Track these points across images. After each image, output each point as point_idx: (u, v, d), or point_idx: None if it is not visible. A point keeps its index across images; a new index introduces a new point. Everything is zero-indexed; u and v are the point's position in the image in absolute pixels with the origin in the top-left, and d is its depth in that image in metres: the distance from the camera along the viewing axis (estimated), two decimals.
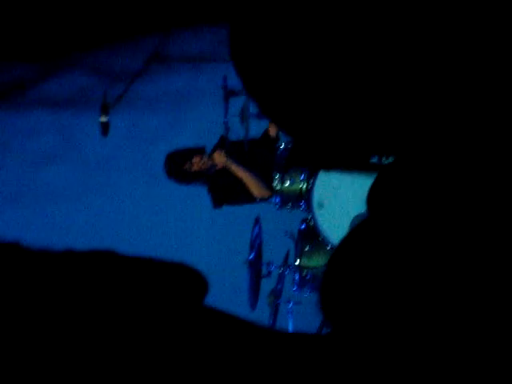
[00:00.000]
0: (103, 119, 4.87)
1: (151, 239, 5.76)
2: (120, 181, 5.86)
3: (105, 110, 4.86)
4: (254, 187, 4.82)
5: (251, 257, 4.58)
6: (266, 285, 4.59)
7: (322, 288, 1.02)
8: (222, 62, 5.28)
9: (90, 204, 5.76)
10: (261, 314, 4.58)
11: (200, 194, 5.11)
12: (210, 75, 5.52)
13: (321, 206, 4.46)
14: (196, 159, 4.86)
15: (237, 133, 4.90)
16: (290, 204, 4.62)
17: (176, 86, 5.76)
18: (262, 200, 4.87)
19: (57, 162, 5.83)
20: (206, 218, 5.66)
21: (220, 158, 4.87)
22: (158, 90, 5.74)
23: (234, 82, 4.90)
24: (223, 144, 4.94)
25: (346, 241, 1.01)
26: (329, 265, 1.00)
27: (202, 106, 5.75)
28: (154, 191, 5.75)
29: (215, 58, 5.45)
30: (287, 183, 4.52)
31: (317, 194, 4.44)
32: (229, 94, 4.85)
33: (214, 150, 4.96)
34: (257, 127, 4.94)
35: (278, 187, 4.50)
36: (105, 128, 4.90)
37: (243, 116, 4.73)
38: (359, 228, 1.02)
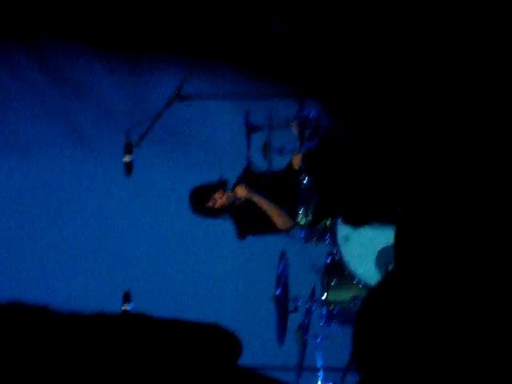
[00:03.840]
0: (127, 159, 4.89)
1: (178, 276, 5.76)
2: (143, 218, 5.88)
3: (128, 149, 4.89)
4: (278, 218, 4.81)
5: (278, 292, 4.56)
6: (294, 320, 4.56)
7: (354, 335, 1.03)
8: (243, 99, 5.31)
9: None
10: (289, 350, 4.55)
11: (225, 228, 5.11)
12: (232, 112, 5.55)
13: (346, 239, 4.43)
14: (218, 195, 4.86)
15: (259, 167, 4.92)
16: (315, 238, 4.60)
17: (198, 124, 5.80)
18: (286, 230, 4.86)
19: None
20: (232, 253, 5.66)
21: (242, 191, 4.87)
22: (180, 129, 5.78)
23: (256, 117, 4.92)
24: (247, 176, 4.95)
25: (376, 289, 1.02)
26: (359, 315, 1.01)
27: (225, 142, 5.77)
28: (178, 227, 5.76)
29: (235, 95, 5.48)
30: (312, 217, 4.51)
31: (342, 228, 4.42)
32: (251, 129, 4.87)
33: (236, 183, 4.97)
34: (279, 162, 4.94)
35: (303, 221, 4.49)
36: (128, 168, 4.93)
37: (266, 151, 4.74)
38: (389, 277, 1.03)
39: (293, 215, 4.62)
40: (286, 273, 4.65)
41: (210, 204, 4.86)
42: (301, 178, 4.53)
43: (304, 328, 4.46)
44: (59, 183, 5.89)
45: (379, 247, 4.26)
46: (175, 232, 5.82)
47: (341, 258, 4.46)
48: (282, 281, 4.60)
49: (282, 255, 4.68)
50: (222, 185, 4.94)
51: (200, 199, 4.89)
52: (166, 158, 5.86)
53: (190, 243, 5.81)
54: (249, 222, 4.90)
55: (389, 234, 4.09)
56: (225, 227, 5.08)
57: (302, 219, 4.47)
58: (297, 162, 4.93)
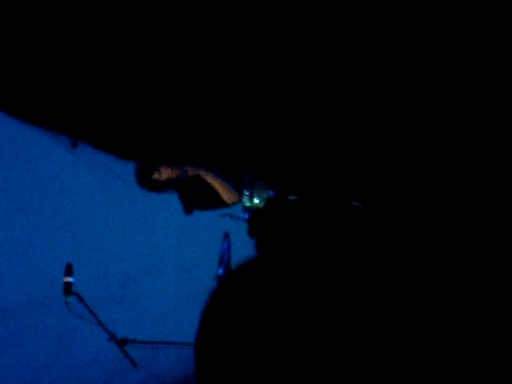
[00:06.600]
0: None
1: (121, 251, 5.78)
2: (88, 191, 5.89)
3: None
4: (224, 192, 4.83)
5: (220, 271, 4.61)
6: None
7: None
8: None
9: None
10: None
11: (171, 204, 5.13)
12: None
13: None
14: (163, 168, 4.86)
15: None
16: None
17: None
18: (233, 205, 4.88)
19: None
20: (177, 230, 5.69)
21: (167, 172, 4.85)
22: None
23: None
24: None
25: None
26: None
27: None
28: (124, 202, 5.77)
29: None
30: (256, 200, 4.57)
31: None
32: None
33: None
34: None
35: (248, 204, 4.54)
36: (73, 143, 4.94)
37: None
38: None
39: (239, 189, 4.66)
40: (229, 253, 4.70)
41: (156, 176, 4.86)
42: None
43: None
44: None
45: None
46: (120, 207, 5.83)
47: None
48: (225, 260, 4.65)
49: (226, 236, 4.73)
50: None
51: (145, 171, 4.89)
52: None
53: (135, 218, 5.83)
54: (195, 196, 4.91)
55: None
56: (171, 202, 5.10)
57: (246, 201, 4.52)
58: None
